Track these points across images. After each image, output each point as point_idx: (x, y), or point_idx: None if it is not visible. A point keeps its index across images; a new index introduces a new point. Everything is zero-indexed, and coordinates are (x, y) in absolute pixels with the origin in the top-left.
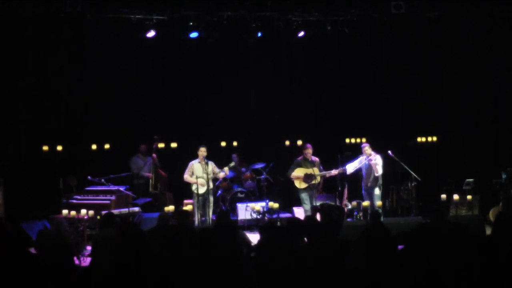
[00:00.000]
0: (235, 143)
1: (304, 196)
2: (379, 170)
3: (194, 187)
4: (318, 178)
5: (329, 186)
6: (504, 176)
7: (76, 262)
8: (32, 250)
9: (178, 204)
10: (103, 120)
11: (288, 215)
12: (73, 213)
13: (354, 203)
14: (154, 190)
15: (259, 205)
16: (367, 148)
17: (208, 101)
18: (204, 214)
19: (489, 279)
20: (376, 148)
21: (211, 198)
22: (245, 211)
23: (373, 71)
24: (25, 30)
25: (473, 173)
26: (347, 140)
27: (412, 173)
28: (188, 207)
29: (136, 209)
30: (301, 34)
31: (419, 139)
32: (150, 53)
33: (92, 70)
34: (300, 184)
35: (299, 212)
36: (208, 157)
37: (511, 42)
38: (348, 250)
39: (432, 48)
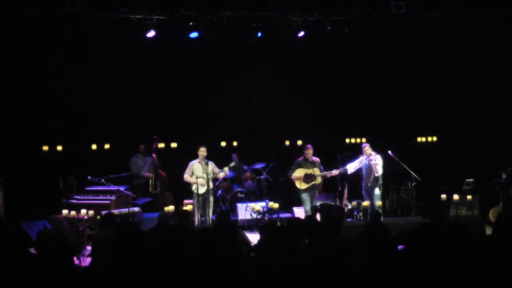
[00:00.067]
0: (235, 143)
1: (305, 196)
2: (379, 170)
3: (194, 187)
4: (319, 179)
5: (329, 186)
6: (504, 176)
7: (76, 262)
8: (32, 250)
9: (178, 204)
10: (103, 120)
11: (288, 215)
12: (73, 213)
13: (354, 203)
14: (154, 190)
15: (259, 205)
16: (367, 148)
17: (208, 101)
18: (204, 214)
19: (489, 279)
20: (376, 148)
21: (211, 198)
22: (245, 211)
23: (373, 71)
24: (25, 30)
25: (473, 173)
26: (347, 140)
27: (412, 173)
28: (188, 207)
29: (136, 209)
30: (301, 34)
31: (419, 139)
32: (150, 53)
33: (92, 70)
34: (300, 185)
35: (299, 212)
36: (208, 157)
37: (511, 42)
38: (348, 250)
39: (432, 48)
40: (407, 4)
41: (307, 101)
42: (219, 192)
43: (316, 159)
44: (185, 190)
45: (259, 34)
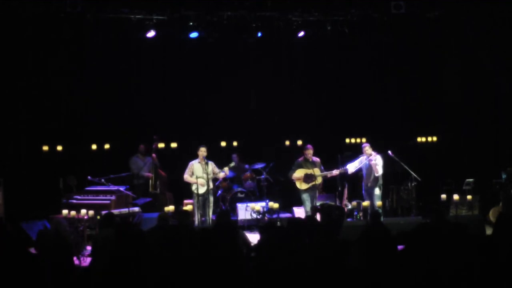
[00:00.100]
0: (235, 143)
1: (306, 197)
2: (379, 170)
3: (194, 187)
4: (319, 179)
5: (329, 186)
6: (504, 176)
7: (76, 262)
8: (32, 250)
9: (178, 204)
10: (103, 120)
11: (288, 215)
12: (73, 213)
13: (354, 203)
14: (154, 190)
15: (259, 205)
16: (367, 148)
17: (208, 101)
18: (204, 214)
19: (489, 279)
20: (376, 148)
21: (211, 198)
22: (245, 211)
23: (373, 71)
24: (25, 30)
25: (473, 173)
26: (347, 140)
27: (412, 173)
28: (188, 207)
29: (136, 209)
30: (301, 34)
31: (419, 139)
32: (150, 53)
33: (92, 70)
34: (301, 185)
35: (299, 212)
36: (208, 157)
37: (511, 42)
38: (348, 250)
39: (432, 48)
40: (407, 4)
41: (307, 101)
42: (219, 192)
43: (317, 159)
44: (185, 190)
45: (259, 34)
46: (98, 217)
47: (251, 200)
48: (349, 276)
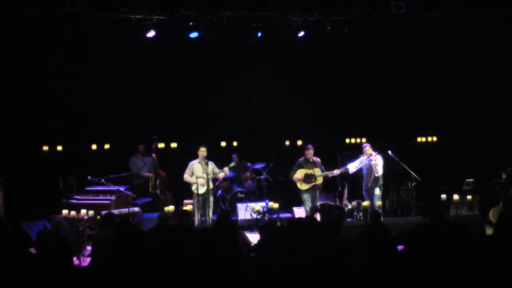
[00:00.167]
0: (235, 143)
1: (306, 197)
2: (379, 170)
3: (194, 187)
4: (320, 179)
5: (329, 186)
6: (504, 176)
7: (76, 262)
8: (32, 250)
9: (178, 204)
10: (103, 120)
11: (288, 215)
12: (73, 213)
13: (354, 203)
14: (154, 190)
15: (259, 205)
16: (368, 148)
17: (208, 101)
18: (204, 214)
19: (489, 279)
20: (376, 148)
21: (211, 198)
22: (245, 211)
23: (373, 71)
24: (25, 30)
25: (473, 173)
26: (347, 140)
27: (412, 173)
28: (188, 207)
29: (136, 209)
30: (301, 34)
31: (419, 139)
32: (150, 53)
33: (92, 70)
34: (301, 185)
35: (299, 212)
36: (208, 157)
37: (511, 42)
38: (348, 250)
39: (432, 48)
40: (407, 4)
41: (307, 101)
42: (219, 192)
43: (317, 159)
44: (185, 190)
45: (259, 34)
46: (98, 217)
47: (251, 200)
48: (349, 276)
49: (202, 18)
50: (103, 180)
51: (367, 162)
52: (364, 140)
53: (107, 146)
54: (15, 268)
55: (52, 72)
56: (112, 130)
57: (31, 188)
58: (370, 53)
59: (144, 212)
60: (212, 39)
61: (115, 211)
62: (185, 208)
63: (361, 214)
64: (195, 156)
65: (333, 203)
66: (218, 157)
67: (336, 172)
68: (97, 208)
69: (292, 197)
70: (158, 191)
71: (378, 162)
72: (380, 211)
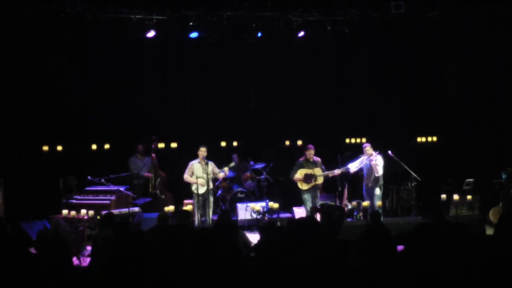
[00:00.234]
0: (235, 143)
1: (307, 197)
2: (379, 170)
3: (194, 187)
4: (320, 179)
5: (329, 186)
6: (504, 176)
7: (76, 262)
8: (32, 250)
9: (178, 204)
10: (103, 120)
11: (288, 215)
12: (73, 213)
13: (354, 203)
14: (154, 190)
15: (259, 205)
16: (368, 148)
17: (208, 101)
18: (204, 214)
19: (489, 279)
20: (376, 148)
21: (211, 198)
22: (245, 211)
23: (373, 71)
24: (25, 30)
25: (473, 173)
26: (347, 140)
27: (412, 173)
28: (188, 207)
29: (136, 209)
30: (301, 34)
31: (419, 139)
32: (150, 53)
33: (92, 70)
34: (302, 185)
35: (299, 212)
36: (208, 157)
37: (511, 42)
38: (348, 250)
39: (432, 48)
40: (407, 4)
41: (307, 101)
42: (219, 192)
43: (318, 159)
44: (185, 190)
45: (259, 34)
46: (98, 217)
47: (251, 200)
48: (349, 276)
49: (202, 18)
50: (103, 180)
51: (368, 162)
52: (364, 140)
53: (107, 146)
54: (15, 268)
55: (52, 72)
56: (112, 130)
57: (31, 188)
58: (370, 53)
59: (144, 212)
60: (212, 39)
61: (115, 211)
62: (185, 208)
63: (361, 214)
64: (195, 156)
65: (333, 203)
66: (218, 157)
67: (337, 172)
68: (97, 208)
69: (292, 197)
70: (158, 191)
71: (378, 162)
72: (380, 211)
